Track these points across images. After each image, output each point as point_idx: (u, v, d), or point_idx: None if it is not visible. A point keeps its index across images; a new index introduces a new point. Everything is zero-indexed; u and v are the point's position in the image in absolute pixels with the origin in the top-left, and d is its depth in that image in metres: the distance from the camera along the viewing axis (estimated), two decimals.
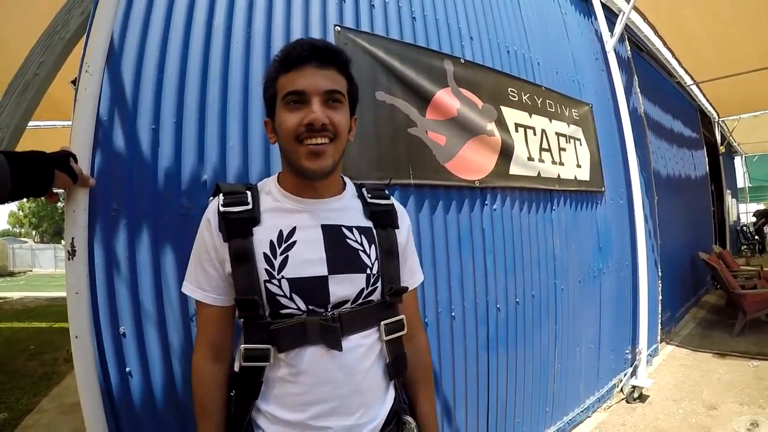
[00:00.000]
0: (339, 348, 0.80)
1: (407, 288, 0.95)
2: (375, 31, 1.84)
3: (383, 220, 0.92)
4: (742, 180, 12.47)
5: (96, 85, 1.11)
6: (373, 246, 0.88)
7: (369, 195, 0.93)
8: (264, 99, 0.88)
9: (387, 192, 0.97)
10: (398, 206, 0.98)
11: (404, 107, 1.82)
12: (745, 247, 10.78)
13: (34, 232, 35.61)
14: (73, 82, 1.20)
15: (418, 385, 1.00)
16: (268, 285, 0.80)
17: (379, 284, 0.87)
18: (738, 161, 12.24)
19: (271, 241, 0.81)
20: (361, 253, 0.86)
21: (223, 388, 0.88)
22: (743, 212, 12.54)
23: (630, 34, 4.18)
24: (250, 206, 0.83)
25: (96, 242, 1.18)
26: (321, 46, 0.82)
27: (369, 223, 0.90)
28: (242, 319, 0.83)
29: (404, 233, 0.96)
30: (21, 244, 27.66)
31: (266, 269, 0.80)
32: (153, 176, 1.29)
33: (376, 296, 0.87)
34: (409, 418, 0.93)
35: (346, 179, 0.96)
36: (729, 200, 10.06)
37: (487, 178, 2.07)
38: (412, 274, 0.99)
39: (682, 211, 5.21)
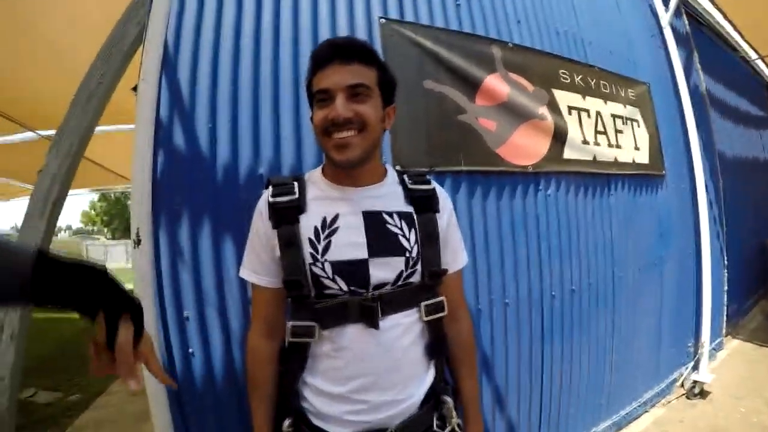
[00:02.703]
0: (376, 327, 0.86)
1: (447, 270, 0.97)
2: (420, 20, 1.83)
3: (424, 205, 0.95)
4: None
5: (152, 92, 1.21)
6: (413, 230, 0.92)
7: (410, 181, 0.97)
8: (308, 98, 0.94)
9: (428, 177, 1.00)
10: (440, 190, 1.00)
11: (453, 94, 1.81)
12: None
13: (105, 230, 37.87)
14: (134, 89, 1.30)
15: (460, 363, 1.05)
16: (313, 267, 0.86)
17: (418, 267, 0.91)
18: None
19: (316, 227, 0.88)
20: (401, 237, 0.90)
21: (274, 364, 0.95)
22: None
23: (687, 8, 3.88)
24: (296, 196, 0.90)
25: (161, 233, 1.28)
26: (341, 44, 0.87)
27: (410, 209, 0.94)
28: (290, 299, 0.92)
29: (445, 217, 0.99)
30: (93, 241, 29.78)
31: (311, 253, 0.86)
32: (212, 171, 1.37)
33: (415, 278, 0.91)
34: (448, 398, 0.96)
35: (388, 167, 1.00)
36: None
37: (540, 163, 2.02)
38: (454, 257, 1.02)
39: (751, 196, 4.84)
